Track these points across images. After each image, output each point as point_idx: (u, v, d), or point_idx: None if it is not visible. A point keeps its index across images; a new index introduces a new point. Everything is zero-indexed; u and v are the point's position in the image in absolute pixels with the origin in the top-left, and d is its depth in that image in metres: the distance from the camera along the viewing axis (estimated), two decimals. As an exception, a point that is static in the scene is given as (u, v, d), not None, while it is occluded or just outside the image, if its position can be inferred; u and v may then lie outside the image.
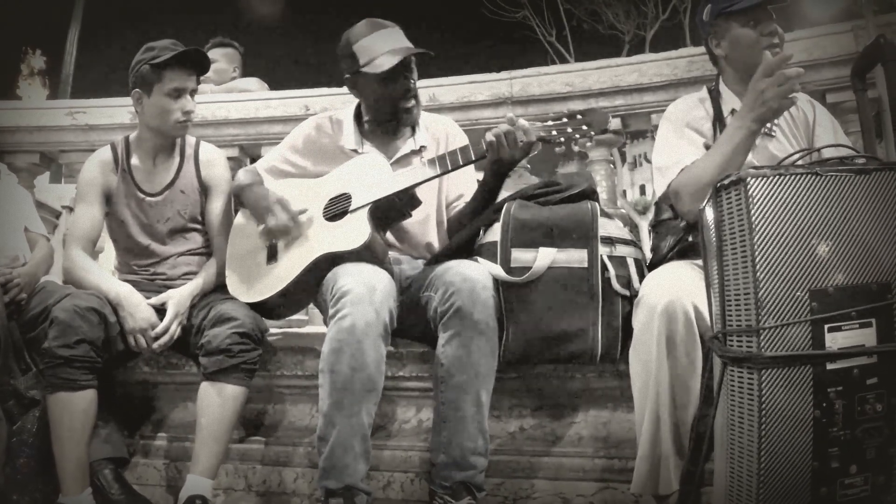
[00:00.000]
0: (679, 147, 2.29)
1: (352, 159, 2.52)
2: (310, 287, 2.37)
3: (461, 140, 2.64)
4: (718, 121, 2.36)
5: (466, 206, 2.53)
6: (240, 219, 2.64)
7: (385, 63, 2.38)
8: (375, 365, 2.06)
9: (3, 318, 2.43)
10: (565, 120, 2.27)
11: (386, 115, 2.54)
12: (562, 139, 2.26)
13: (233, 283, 2.52)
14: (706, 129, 2.35)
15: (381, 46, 2.41)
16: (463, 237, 2.39)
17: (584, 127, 2.26)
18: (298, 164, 2.64)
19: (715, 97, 2.40)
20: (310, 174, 2.60)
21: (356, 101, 2.67)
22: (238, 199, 2.65)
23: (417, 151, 2.58)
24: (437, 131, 2.66)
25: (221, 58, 4.68)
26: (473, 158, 2.32)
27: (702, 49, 3.33)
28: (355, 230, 2.30)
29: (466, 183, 2.60)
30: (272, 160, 2.69)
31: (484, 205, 2.43)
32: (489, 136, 2.26)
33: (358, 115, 2.64)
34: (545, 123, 2.28)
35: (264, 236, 2.49)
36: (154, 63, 2.53)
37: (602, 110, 2.29)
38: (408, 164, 2.52)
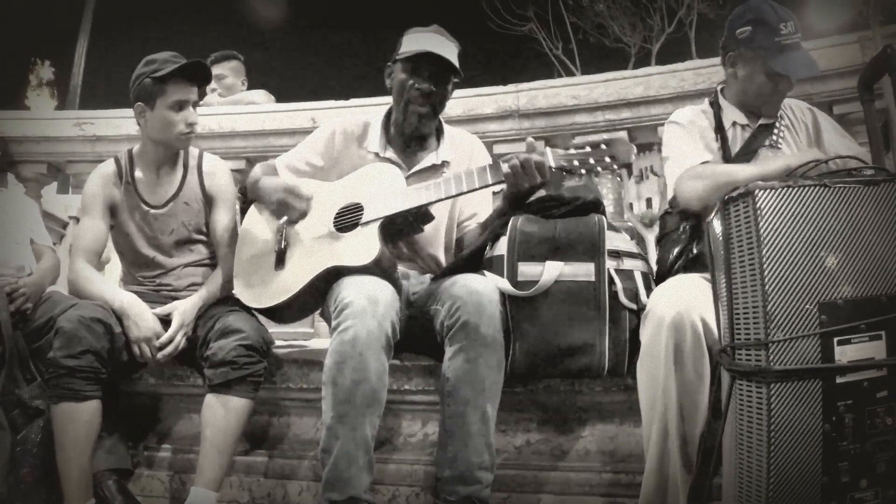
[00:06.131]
0: (694, 141, 2.34)
1: (365, 167, 2.50)
2: (316, 296, 2.36)
3: (485, 160, 2.60)
4: (719, 131, 2.40)
5: (479, 230, 2.53)
6: (248, 222, 2.62)
7: (413, 50, 2.41)
8: (378, 377, 2.05)
9: (9, 327, 2.44)
10: (588, 149, 2.23)
11: (401, 114, 2.52)
12: (583, 170, 2.22)
13: (238, 286, 2.52)
14: (710, 137, 2.40)
15: (426, 44, 2.44)
16: (470, 252, 2.37)
17: (608, 159, 2.21)
18: (317, 166, 2.62)
19: (716, 110, 2.45)
20: (327, 178, 2.59)
21: (376, 110, 2.67)
22: (253, 191, 2.63)
23: (440, 166, 2.56)
24: (462, 148, 2.64)
25: (229, 72, 4.70)
26: (490, 182, 2.28)
27: (707, 62, 3.36)
28: (365, 245, 2.28)
29: (481, 202, 2.59)
30: (292, 159, 2.67)
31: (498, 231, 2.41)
32: (506, 168, 2.22)
33: (387, 122, 2.63)
34: (567, 152, 2.24)
35: (272, 238, 2.49)
36: (156, 76, 2.54)
37: (627, 142, 2.27)
38: (427, 177, 2.49)
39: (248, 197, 2.68)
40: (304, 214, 2.44)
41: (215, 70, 4.56)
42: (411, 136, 2.58)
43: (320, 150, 2.64)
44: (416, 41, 2.47)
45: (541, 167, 2.20)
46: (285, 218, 2.48)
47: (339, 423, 2.02)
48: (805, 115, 2.45)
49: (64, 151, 4.05)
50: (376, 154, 2.56)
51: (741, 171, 2.11)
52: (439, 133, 2.63)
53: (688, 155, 2.31)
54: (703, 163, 2.25)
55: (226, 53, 4.76)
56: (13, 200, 3.10)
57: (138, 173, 2.71)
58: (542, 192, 2.34)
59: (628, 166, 2.26)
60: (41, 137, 4.01)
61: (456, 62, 2.46)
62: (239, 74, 4.78)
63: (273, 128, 3.84)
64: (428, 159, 2.58)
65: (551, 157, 2.22)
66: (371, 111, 2.69)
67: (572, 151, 2.24)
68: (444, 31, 2.51)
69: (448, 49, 2.46)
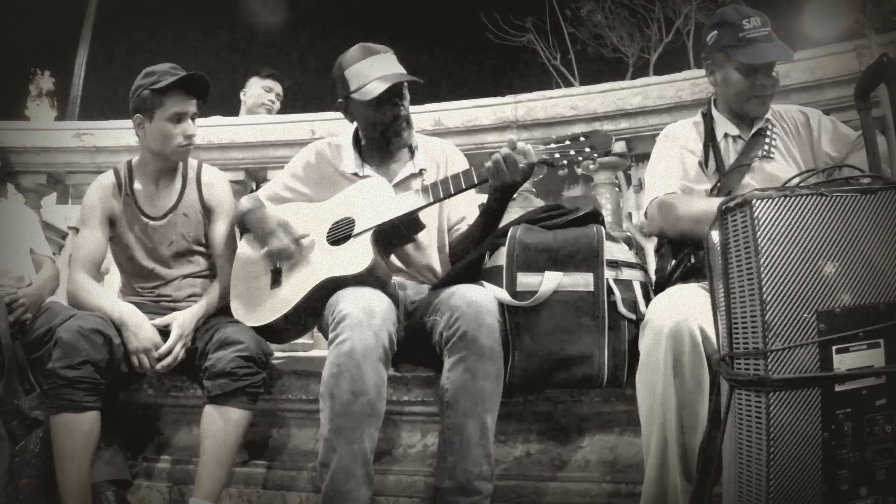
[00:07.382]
0: (671, 164, 2.40)
1: (355, 183, 2.53)
2: (314, 311, 2.37)
3: (461, 162, 2.66)
4: (711, 142, 2.43)
5: (469, 230, 2.54)
6: (243, 245, 2.65)
7: (374, 89, 2.39)
8: (376, 389, 2.05)
9: (8, 337, 2.44)
10: (568, 142, 2.27)
11: (377, 139, 2.56)
12: (564, 161, 2.25)
13: (237, 308, 2.53)
14: (698, 149, 2.44)
15: (372, 72, 2.43)
16: (468, 261, 2.37)
17: (588, 149, 2.25)
18: (300, 191, 2.65)
19: (708, 122, 2.48)
20: (311, 201, 2.61)
21: (344, 131, 2.69)
22: (241, 224, 2.65)
23: (417, 174, 2.59)
24: (436, 154, 2.66)
25: (277, 87, 4.77)
26: (476, 182, 2.31)
27: (704, 72, 3.36)
28: (358, 254, 2.30)
29: (468, 205, 2.60)
30: (274, 188, 2.70)
31: (487, 229, 2.43)
32: (489, 162, 2.26)
33: (357, 140, 2.65)
34: (548, 146, 2.27)
35: (267, 260, 2.49)
36: (155, 88, 2.55)
37: (605, 132, 2.29)
38: (408, 187, 2.52)
39: (238, 228, 2.70)
40: (289, 252, 2.42)
41: (275, 85, 4.66)
42: (387, 150, 2.59)
43: (301, 176, 2.67)
44: (366, 72, 2.43)
45: (524, 155, 2.24)
46: (266, 248, 2.47)
47: (337, 436, 2.01)
48: (797, 117, 2.47)
49: (63, 162, 4.04)
50: (355, 174, 2.58)
51: (696, 205, 2.21)
52: (410, 144, 2.64)
53: (659, 182, 2.38)
54: (668, 193, 2.32)
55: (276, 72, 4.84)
56: (13, 211, 3.10)
57: (137, 185, 2.71)
58: (539, 202, 2.35)
59: (607, 153, 2.28)
60: (41, 148, 4.00)
61: (409, 76, 2.46)
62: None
63: (272, 139, 3.83)
64: (405, 170, 2.60)
65: (533, 152, 2.25)
66: (341, 132, 2.73)
67: (553, 145, 2.27)
68: (372, 45, 2.50)
69: (396, 64, 2.48)
